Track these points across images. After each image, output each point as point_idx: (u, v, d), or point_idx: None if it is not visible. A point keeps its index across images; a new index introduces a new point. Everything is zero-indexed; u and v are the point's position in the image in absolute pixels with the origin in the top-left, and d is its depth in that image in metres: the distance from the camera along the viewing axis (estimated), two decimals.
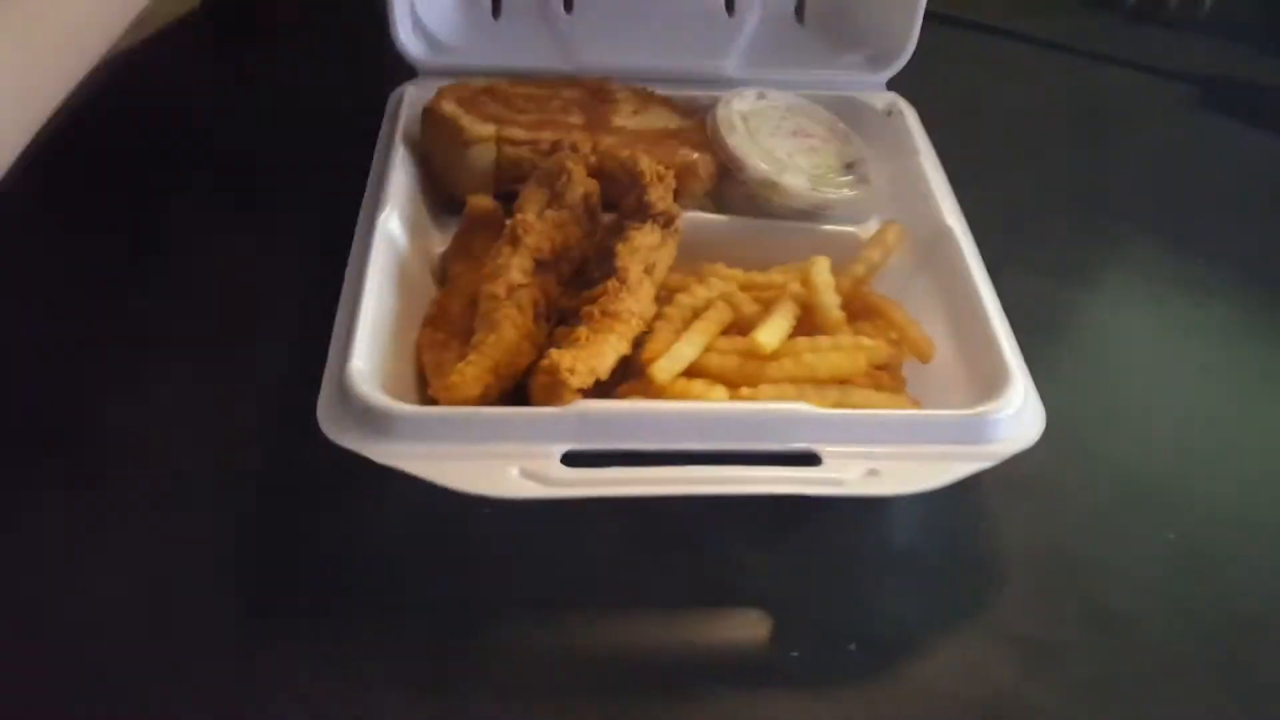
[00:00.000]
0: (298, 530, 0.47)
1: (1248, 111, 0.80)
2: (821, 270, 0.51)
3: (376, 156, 0.57)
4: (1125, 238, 0.68)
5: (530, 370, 0.48)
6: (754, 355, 0.49)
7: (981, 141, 0.76)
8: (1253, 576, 0.48)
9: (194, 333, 0.56)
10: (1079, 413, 0.55)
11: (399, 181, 0.55)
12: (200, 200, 0.65)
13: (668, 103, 0.62)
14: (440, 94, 0.59)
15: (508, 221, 0.54)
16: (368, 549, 0.46)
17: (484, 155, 0.57)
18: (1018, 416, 0.44)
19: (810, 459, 0.43)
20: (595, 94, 0.63)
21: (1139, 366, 0.59)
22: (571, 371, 0.44)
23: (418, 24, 0.68)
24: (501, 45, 0.70)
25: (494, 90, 0.61)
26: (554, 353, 0.44)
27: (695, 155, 0.58)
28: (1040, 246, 0.66)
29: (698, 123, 0.61)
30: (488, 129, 0.57)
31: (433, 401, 0.46)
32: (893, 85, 0.67)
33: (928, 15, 0.88)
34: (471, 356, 0.46)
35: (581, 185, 0.54)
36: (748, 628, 0.44)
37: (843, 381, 0.49)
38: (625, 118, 0.61)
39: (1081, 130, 0.79)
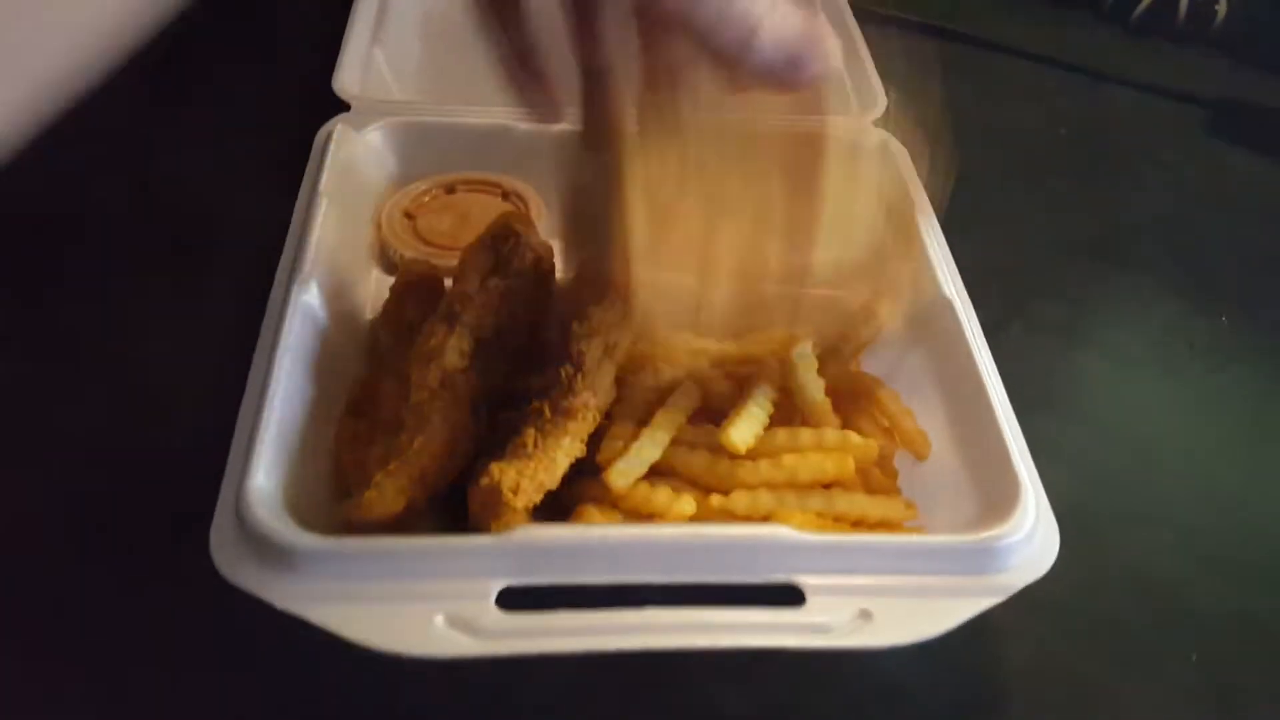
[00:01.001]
0: (189, 680, 0.40)
1: (1265, 139, 0.74)
2: (803, 360, 0.44)
3: (297, 209, 0.50)
4: (1137, 289, 0.62)
5: (469, 470, 0.42)
6: (725, 451, 0.43)
7: (979, 173, 0.69)
8: None
9: (83, 422, 0.48)
10: (1090, 504, 0.49)
11: (323, 239, 0.48)
12: (100, 254, 0.57)
13: None
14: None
15: (447, 285, 0.47)
16: (273, 704, 0.39)
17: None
18: (1029, 539, 0.38)
19: (792, 592, 0.37)
20: None
21: (1154, 445, 0.53)
22: (515, 491, 0.37)
23: (368, 58, 0.61)
24: (443, 80, 0.65)
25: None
26: (495, 468, 0.37)
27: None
28: (1045, 299, 0.60)
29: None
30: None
31: (350, 519, 0.39)
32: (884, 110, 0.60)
33: (920, 28, 0.82)
34: (392, 465, 0.40)
35: (531, 250, 0.47)
36: None
37: (828, 485, 0.43)
38: None
39: (1087, 159, 0.73)
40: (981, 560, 0.38)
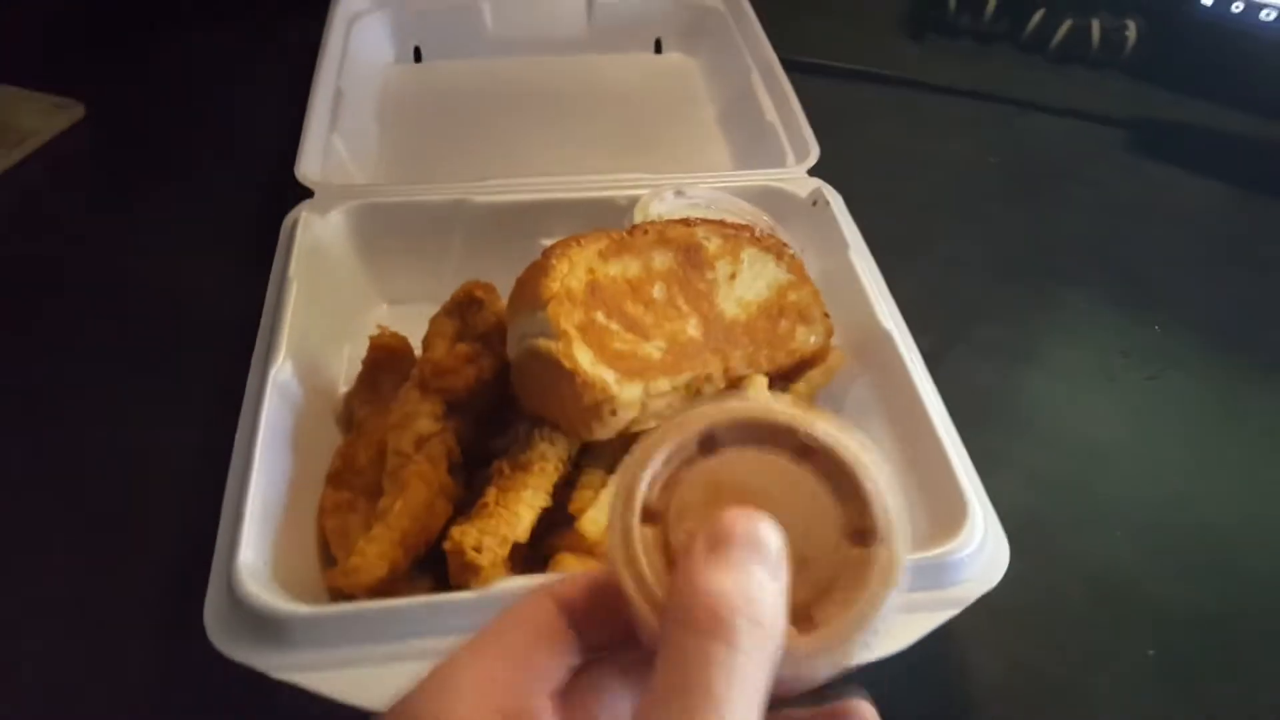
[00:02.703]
0: None
1: (1181, 155, 0.78)
2: (759, 390, 0.47)
3: (269, 295, 0.52)
4: (1073, 304, 0.65)
5: (448, 529, 0.44)
6: None
7: (915, 206, 0.73)
8: (1238, 693, 0.45)
9: (68, 510, 0.50)
10: (1040, 511, 0.52)
11: (294, 323, 0.50)
12: (76, 347, 0.59)
13: (752, 236, 0.51)
14: (555, 319, 0.43)
15: (417, 356, 0.50)
16: None
17: (625, 414, 0.44)
18: (979, 552, 0.41)
19: None
20: (687, 253, 0.49)
21: (1099, 452, 0.56)
22: (478, 549, 0.39)
23: (327, 144, 0.64)
24: (400, 161, 0.71)
25: (595, 286, 0.46)
26: (456, 531, 0.40)
27: (813, 338, 0.50)
28: (985, 323, 0.63)
29: (797, 265, 0.51)
30: (634, 391, 0.44)
31: (336, 586, 0.41)
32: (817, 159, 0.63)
33: (848, 73, 0.86)
34: (375, 530, 0.42)
35: (495, 314, 0.50)
36: None
37: None
38: (726, 286, 0.49)
39: (1016, 184, 0.77)
40: (934, 576, 0.40)
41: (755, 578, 0.22)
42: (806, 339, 0.50)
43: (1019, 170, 0.78)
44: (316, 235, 0.56)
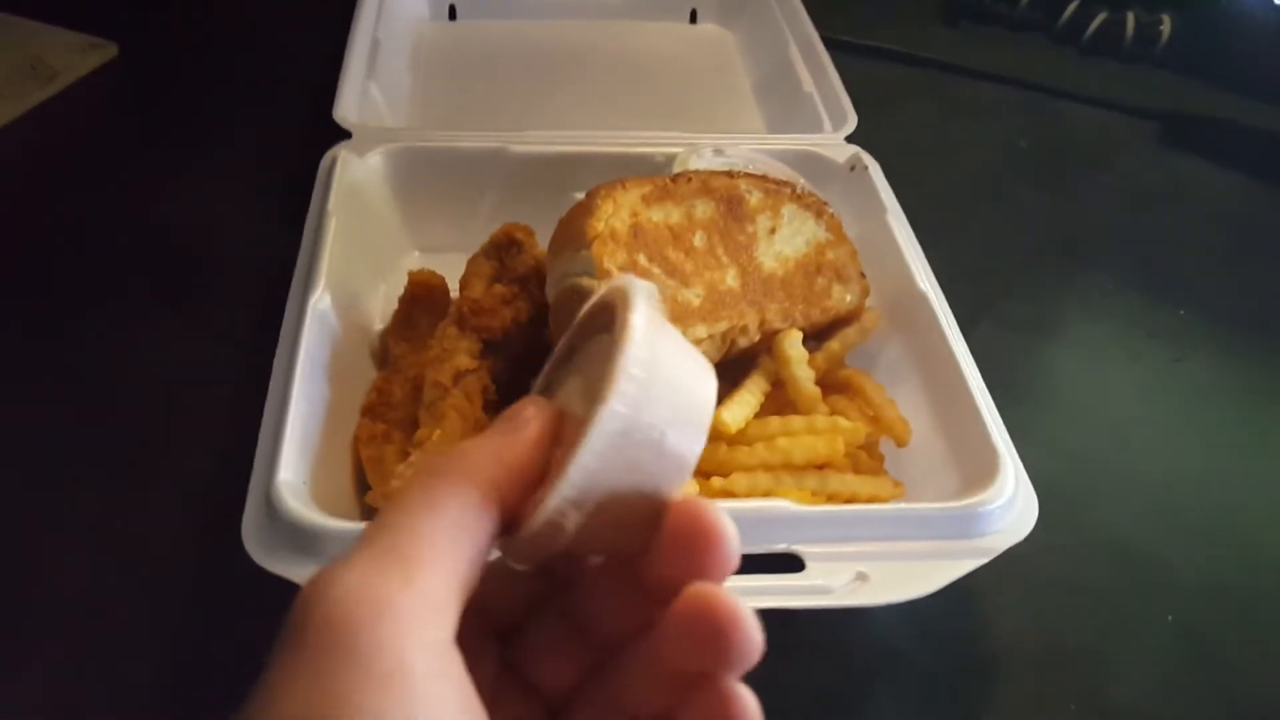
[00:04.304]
0: (229, 663, 0.42)
1: (1210, 148, 0.78)
2: (793, 343, 0.47)
3: (307, 228, 0.53)
4: (1099, 287, 0.66)
5: None
6: (721, 437, 0.45)
7: (947, 185, 0.73)
8: (1254, 659, 0.46)
9: (109, 436, 0.50)
10: (1064, 481, 0.52)
11: (332, 256, 0.50)
12: (112, 278, 0.60)
13: (793, 193, 0.52)
14: (599, 258, 0.44)
15: (453, 298, 0.50)
16: None
17: None
18: (1010, 505, 0.41)
19: (792, 561, 0.40)
20: (729, 204, 0.49)
21: (1122, 427, 0.56)
22: None
23: (364, 90, 0.64)
24: (432, 109, 0.71)
25: (638, 230, 0.46)
26: None
27: (848, 297, 0.50)
28: (1013, 299, 0.64)
29: (835, 224, 0.52)
30: None
31: (373, 508, 0.42)
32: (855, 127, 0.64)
33: (883, 54, 0.86)
34: (413, 456, 0.42)
35: (533, 257, 0.50)
36: None
37: (820, 466, 0.45)
38: (766, 240, 0.50)
39: (1045, 169, 0.77)
40: (966, 525, 0.40)
41: None
42: (842, 297, 0.50)
43: (1048, 156, 0.78)
44: (354, 176, 0.56)
